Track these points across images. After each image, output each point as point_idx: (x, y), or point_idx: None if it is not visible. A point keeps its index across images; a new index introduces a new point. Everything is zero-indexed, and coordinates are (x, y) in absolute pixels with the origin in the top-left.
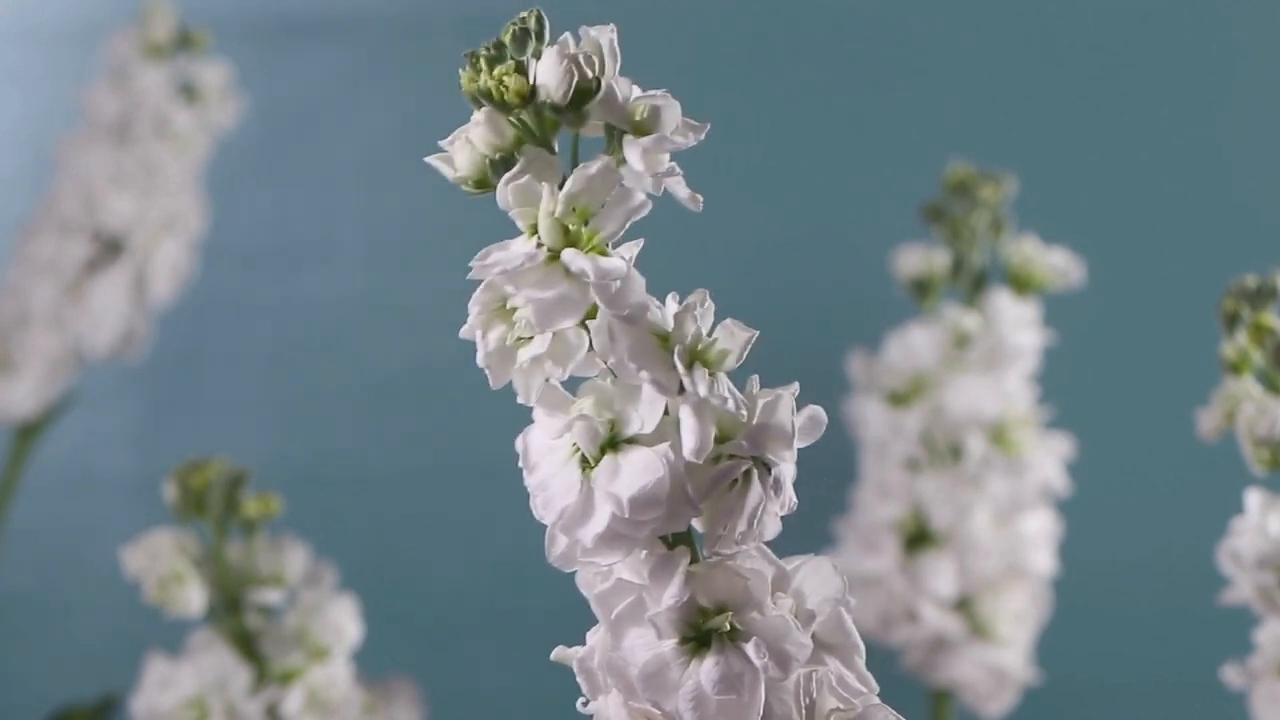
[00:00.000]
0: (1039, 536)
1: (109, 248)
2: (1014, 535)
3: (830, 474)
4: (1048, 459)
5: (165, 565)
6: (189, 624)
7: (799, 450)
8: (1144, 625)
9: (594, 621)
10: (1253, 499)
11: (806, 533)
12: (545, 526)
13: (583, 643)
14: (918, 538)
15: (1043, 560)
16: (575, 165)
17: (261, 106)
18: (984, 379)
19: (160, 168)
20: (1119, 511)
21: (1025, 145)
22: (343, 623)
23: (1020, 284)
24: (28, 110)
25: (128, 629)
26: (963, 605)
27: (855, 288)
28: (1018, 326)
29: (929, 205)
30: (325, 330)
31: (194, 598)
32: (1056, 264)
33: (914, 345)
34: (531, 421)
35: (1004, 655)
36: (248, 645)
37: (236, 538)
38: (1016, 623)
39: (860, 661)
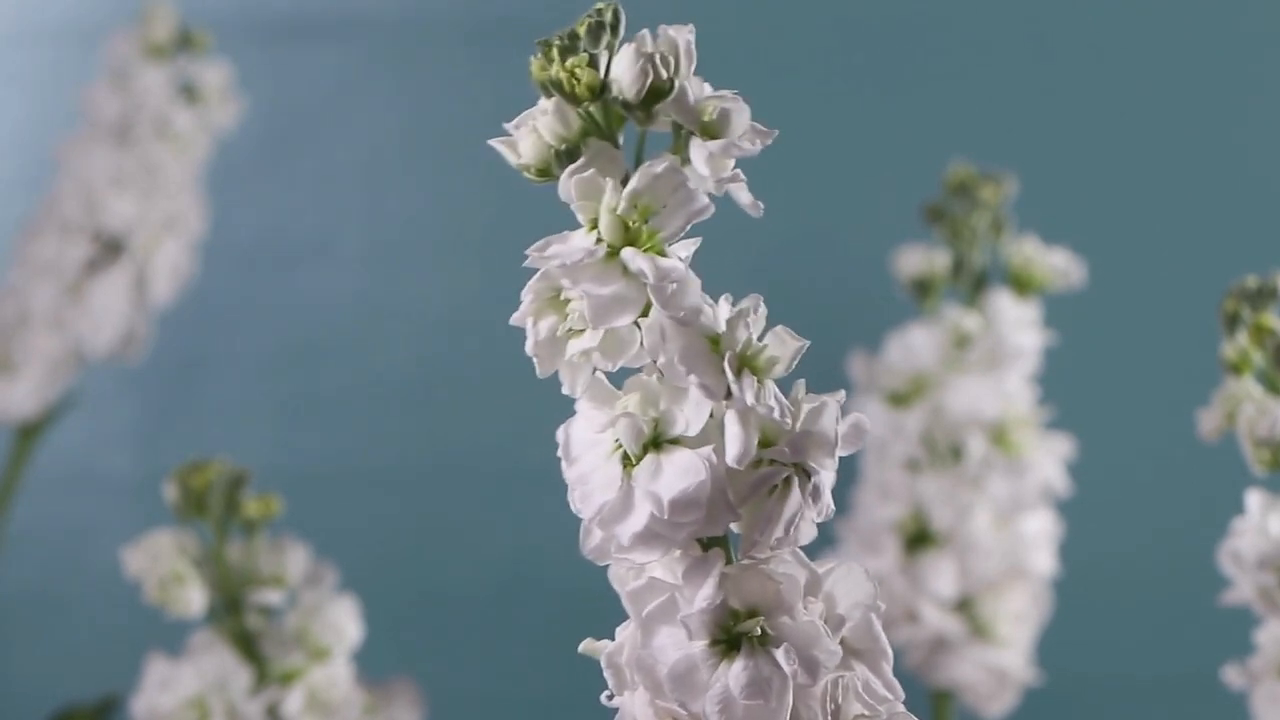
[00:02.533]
0: (1039, 537)
1: (109, 248)
2: (1014, 536)
3: None
4: (1048, 459)
5: (166, 566)
6: (189, 624)
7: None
8: (1144, 625)
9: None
10: (1253, 499)
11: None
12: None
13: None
14: (918, 538)
15: (1043, 561)
16: (639, 161)
17: (262, 107)
18: (984, 379)
19: (161, 168)
20: (1119, 512)
21: (1025, 145)
22: (343, 623)
23: (1021, 284)
24: (28, 111)
25: (128, 629)
26: (963, 606)
27: (855, 288)
28: (1018, 327)
29: (929, 206)
30: (325, 330)
31: (194, 598)
32: (1057, 264)
33: (914, 345)
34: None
35: (1005, 656)
36: (248, 646)
37: (237, 538)
38: (1017, 623)
39: (888, 668)
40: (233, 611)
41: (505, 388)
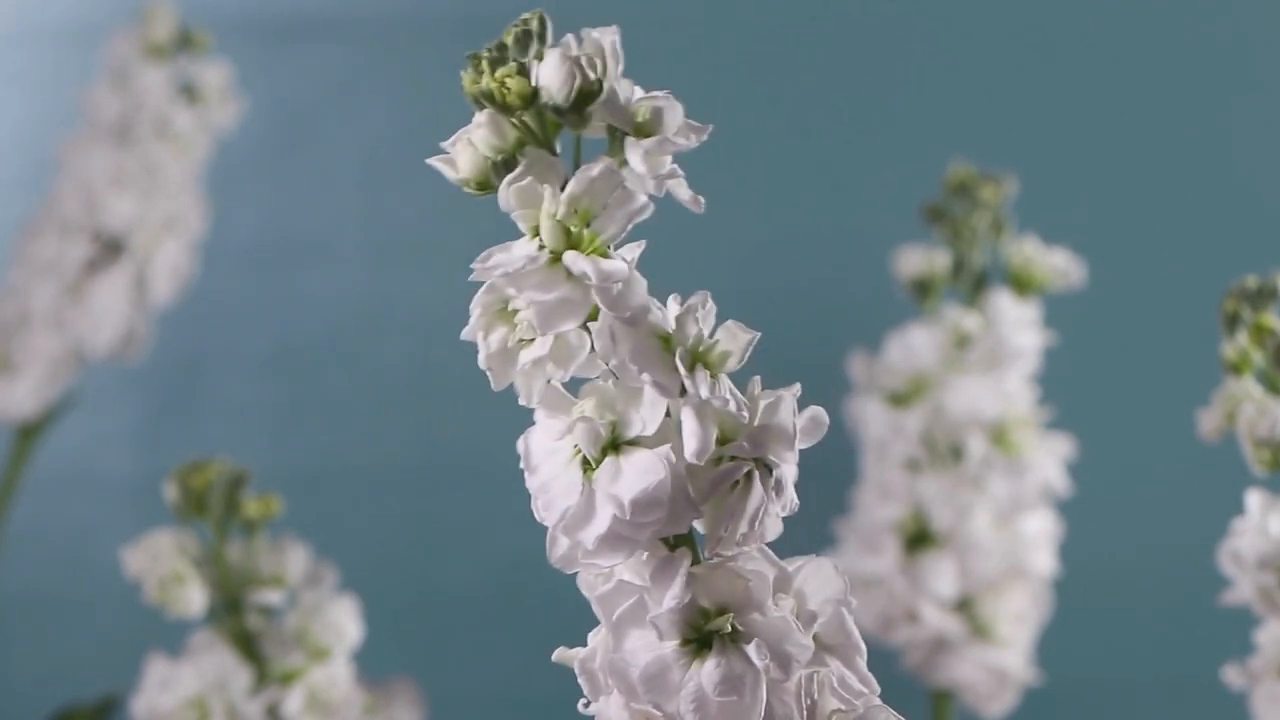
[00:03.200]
0: (1039, 537)
1: (110, 248)
2: (1014, 536)
3: (830, 474)
4: (1048, 459)
5: (166, 566)
6: (190, 624)
7: (799, 450)
8: (1144, 625)
9: (594, 622)
10: (1253, 499)
11: (807, 534)
12: (546, 527)
13: (583, 643)
14: (918, 538)
15: (1043, 561)
16: (577, 167)
17: (261, 106)
18: (984, 379)
19: (161, 168)
20: (1119, 511)
21: (1025, 145)
22: (343, 623)
23: (1021, 285)
24: (29, 111)
25: (128, 629)
26: (963, 606)
27: (855, 288)
28: (1018, 327)
29: (930, 206)
30: (325, 330)
31: (195, 598)
32: (1057, 264)
33: (914, 345)
34: (533, 422)
35: (1005, 656)
36: (248, 646)
37: (237, 538)
38: (1017, 623)
39: (861, 662)
40: (233, 611)
41: (506, 388)
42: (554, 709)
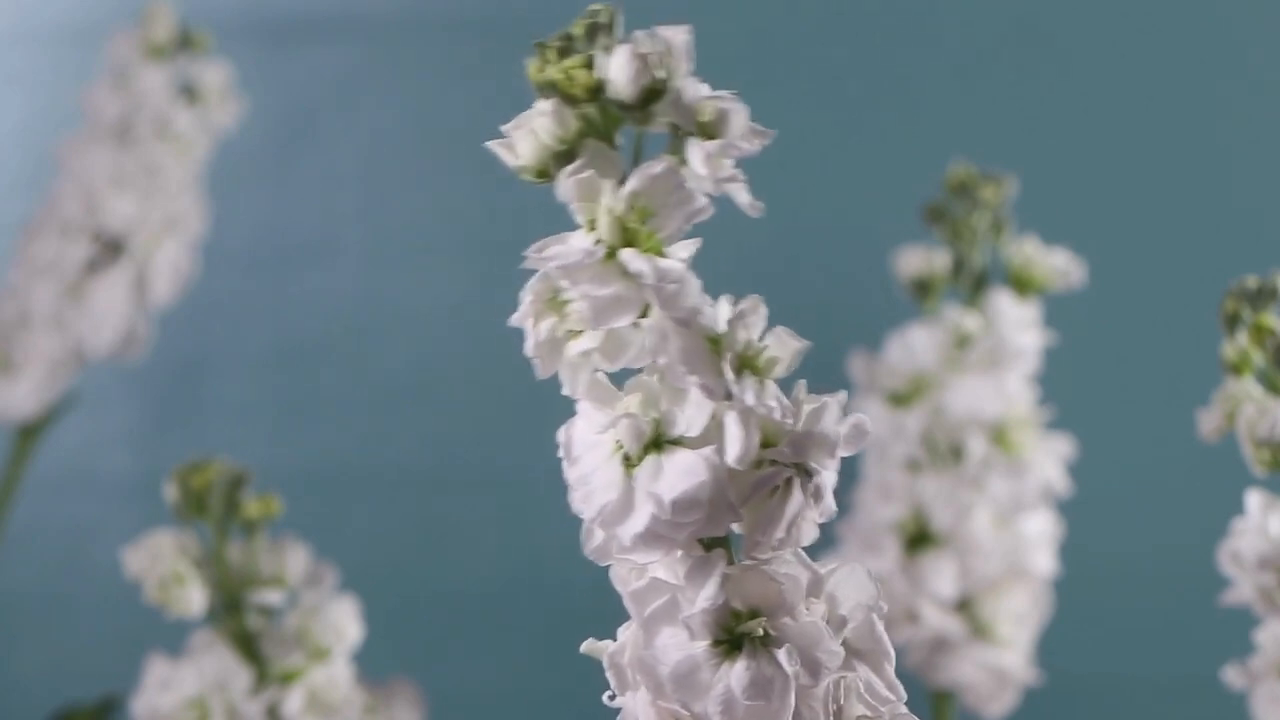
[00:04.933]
0: (1040, 537)
1: (110, 249)
2: (1015, 536)
3: None
4: (1048, 459)
5: (166, 566)
6: (190, 624)
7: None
8: (1145, 625)
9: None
10: (1253, 500)
11: None
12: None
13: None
14: (918, 538)
15: (1044, 561)
16: (637, 162)
17: (261, 107)
18: (985, 380)
19: (161, 169)
20: (1119, 511)
21: (1026, 145)
22: (343, 623)
23: (1021, 285)
24: (29, 112)
25: (128, 629)
26: (964, 606)
27: (855, 288)
28: (1019, 327)
29: (930, 206)
30: (325, 330)
31: (195, 598)
32: (1057, 265)
33: (914, 346)
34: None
35: (1005, 656)
36: (248, 646)
37: (237, 538)
38: (1017, 623)
39: (890, 668)
40: (233, 611)
41: (505, 388)
42: (554, 709)
